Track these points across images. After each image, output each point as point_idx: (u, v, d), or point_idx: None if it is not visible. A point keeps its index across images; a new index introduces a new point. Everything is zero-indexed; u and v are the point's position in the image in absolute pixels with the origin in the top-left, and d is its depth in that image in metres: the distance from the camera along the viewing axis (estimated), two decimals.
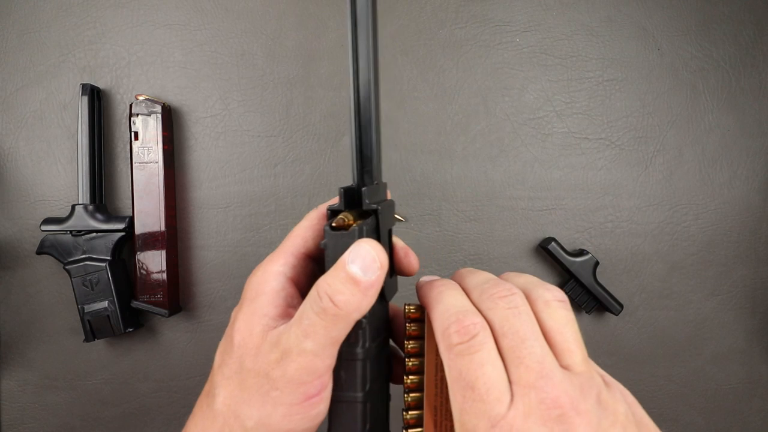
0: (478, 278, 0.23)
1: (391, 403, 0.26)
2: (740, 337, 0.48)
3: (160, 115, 0.43)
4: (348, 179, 0.46)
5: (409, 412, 0.24)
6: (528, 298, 0.21)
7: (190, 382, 0.47)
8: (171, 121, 0.45)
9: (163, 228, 0.44)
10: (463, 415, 0.19)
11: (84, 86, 0.43)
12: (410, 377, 0.24)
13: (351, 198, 0.23)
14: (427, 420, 0.23)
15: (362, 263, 0.20)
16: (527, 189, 0.47)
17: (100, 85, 0.45)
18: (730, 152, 0.47)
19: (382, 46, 0.46)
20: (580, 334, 0.20)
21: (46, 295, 0.46)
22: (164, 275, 0.44)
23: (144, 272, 0.44)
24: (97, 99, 0.44)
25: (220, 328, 0.47)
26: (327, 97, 0.46)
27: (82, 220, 0.43)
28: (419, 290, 0.23)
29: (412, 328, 0.23)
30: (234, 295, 0.47)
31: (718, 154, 0.47)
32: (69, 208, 0.45)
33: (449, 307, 0.21)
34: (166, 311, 0.44)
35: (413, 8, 0.46)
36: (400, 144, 0.46)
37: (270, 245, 0.46)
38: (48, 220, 0.43)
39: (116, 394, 0.47)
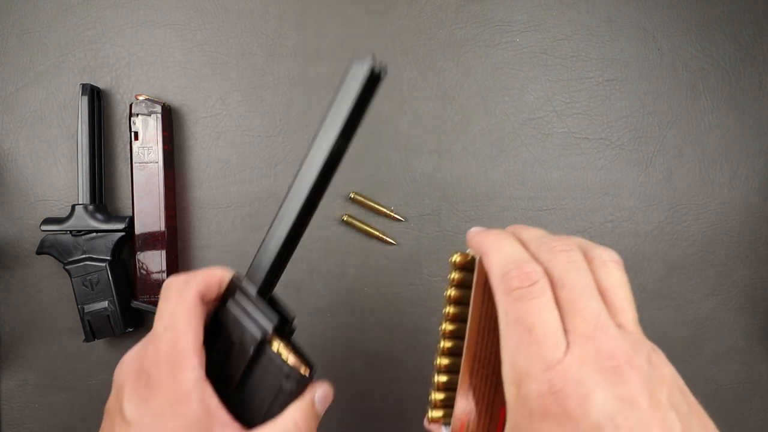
0: (534, 233, 0.23)
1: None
2: (740, 337, 0.48)
3: (160, 115, 0.43)
4: (348, 180, 0.46)
5: (443, 359, 0.24)
6: (585, 256, 0.21)
7: None
8: (171, 121, 0.45)
9: (163, 228, 0.44)
10: (517, 357, 0.19)
11: (84, 86, 0.43)
12: (447, 325, 0.24)
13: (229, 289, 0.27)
14: (465, 367, 0.23)
15: (325, 404, 0.26)
16: (527, 189, 0.47)
17: (100, 85, 0.45)
18: (730, 152, 0.47)
19: (382, 46, 0.46)
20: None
21: (46, 295, 0.46)
22: (164, 275, 0.44)
23: (144, 272, 0.44)
24: (97, 99, 0.44)
25: None
26: (327, 97, 0.46)
27: (82, 220, 0.43)
28: (473, 238, 0.24)
29: (457, 276, 0.24)
30: None
31: (718, 154, 0.47)
32: (69, 208, 0.45)
33: (509, 254, 0.21)
34: None
35: (413, 8, 0.46)
36: (400, 144, 0.46)
37: None
38: (48, 220, 0.43)
39: None
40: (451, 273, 0.24)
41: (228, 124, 0.46)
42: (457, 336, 0.24)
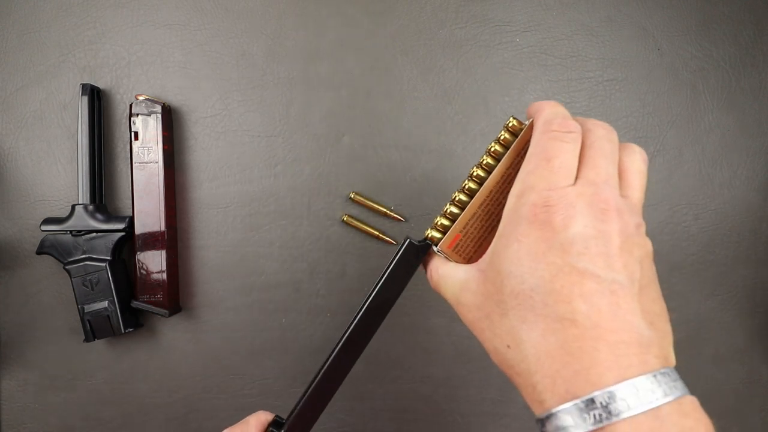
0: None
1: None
2: (740, 337, 0.48)
3: (160, 115, 0.43)
4: (348, 180, 0.46)
5: (461, 195, 0.28)
6: (620, 144, 0.24)
7: (190, 382, 0.47)
8: (171, 121, 0.45)
9: (163, 228, 0.44)
10: (529, 176, 0.23)
11: (84, 86, 0.43)
12: (478, 170, 0.27)
13: (278, 425, 0.31)
14: (476, 201, 0.27)
15: None
16: None
17: (100, 85, 0.45)
18: (730, 152, 0.47)
19: (382, 46, 0.46)
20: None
21: (46, 295, 0.46)
22: (164, 275, 0.44)
23: (144, 272, 0.44)
24: (97, 99, 0.44)
25: (220, 328, 0.47)
26: (327, 97, 0.46)
27: (82, 220, 0.43)
28: (534, 104, 0.26)
29: (504, 136, 0.27)
30: (234, 296, 0.47)
31: (718, 154, 0.47)
32: (69, 208, 0.45)
33: (559, 111, 0.24)
34: (166, 311, 0.44)
35: (413, 8, 0.46)
36: (400, 144, 0.46)
37: (270, 245, 0.46)
38: (48, 220, 0.43)
39: (116, 394, 0.47)
40: (501, 132, 0.27)
41: (228, 124, 0.46)
42: (480, 183, 0.27)
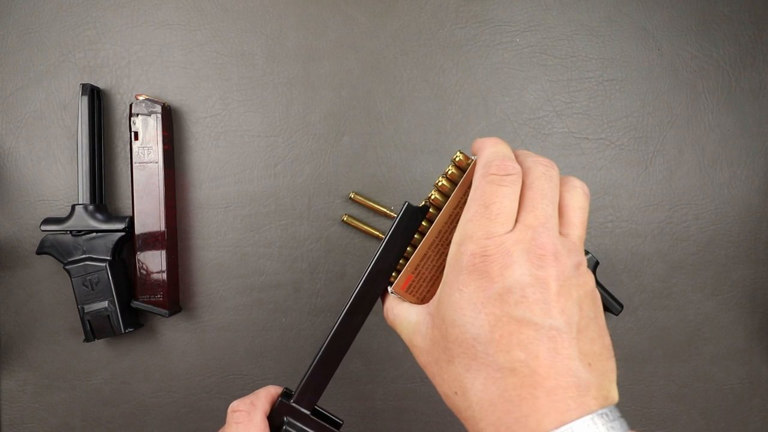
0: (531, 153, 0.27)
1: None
2: (740, 337, 0.48)
3: (160, 115, 0.43)
4: (348, 180, 0.46)
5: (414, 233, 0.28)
6: (561, 179, 0.25)
7: (190, 382, 0.47)
8: (171, 121, 0.45)
9: (163, 228, 0.44)
10: (468, 224, 0.23)
11: (84, 86, 0.43)
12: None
13: (288, 396, 0.31)
14: (427, 240, 0.27)
15: None
16: None
17: (100, 85, 0.45)
18: (730, 152, 0.47)
19: (383, 46, 0.46)
20: (586, 228, 0.24)
21: (46, 295, 0.46)
22: (164, 275, 0.44)
23: (144, 272, 0.44)
24: (97, 99, 0.44)
25: (220, 328, 0.47)
26: (327, 97, 0.46)
27: (82, 220, 0.43)
28: (477, 141, 0.26)
29: (451, 171, 0.27)
30: (234, 296, 0.47)
31: (718, 154, 0.47)
32: (69, 208, 0.45)
33: (499, 151, 0.24)
34: (166, 311, 0.44)
35: (413, 8, 0.46)
36: (400, 144, 0.46)
37: (269, 245, 0.46)
38: (48, 220, 0.43)
39: (116, 394, 0.47)
40: (449, 167, 0.27)
41: (228, 124, 0.46)
42: (430, 220, 0.27)
